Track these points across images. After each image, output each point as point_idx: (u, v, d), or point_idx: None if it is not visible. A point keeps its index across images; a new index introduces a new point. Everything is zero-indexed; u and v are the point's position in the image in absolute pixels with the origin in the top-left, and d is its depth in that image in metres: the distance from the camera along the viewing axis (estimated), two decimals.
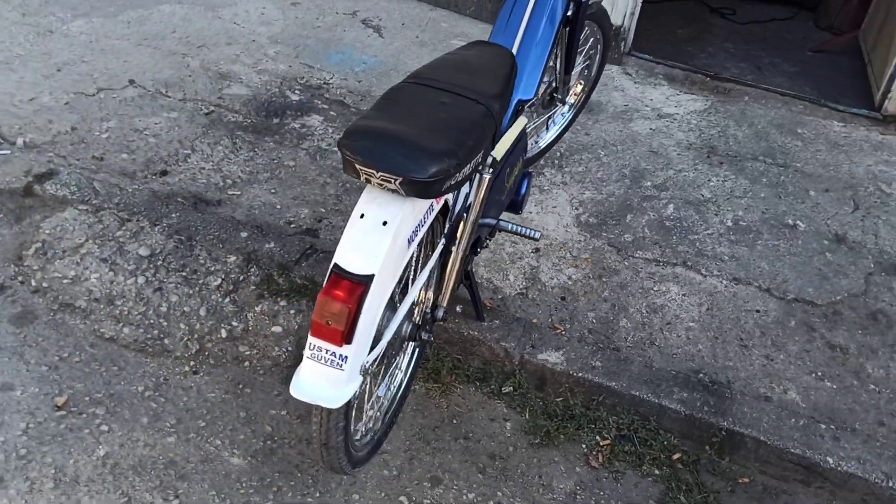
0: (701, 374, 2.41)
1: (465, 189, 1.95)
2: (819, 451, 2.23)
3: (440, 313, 1.94)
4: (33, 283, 2.46)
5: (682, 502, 2.15)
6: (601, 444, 2.27)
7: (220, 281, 2.50)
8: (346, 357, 1.54)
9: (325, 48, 3.76)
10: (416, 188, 1.54)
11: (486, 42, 2.16)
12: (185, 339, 2.36)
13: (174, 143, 3.03)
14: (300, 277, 2.54)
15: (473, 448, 2.21)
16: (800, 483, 2.24)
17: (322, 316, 1.51)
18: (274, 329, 2.42)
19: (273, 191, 2.91)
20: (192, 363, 2.31)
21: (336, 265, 1.53)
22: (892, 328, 2.68)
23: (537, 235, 2.15)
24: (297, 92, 3.44)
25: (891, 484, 2.18)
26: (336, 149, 3.13)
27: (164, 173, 2.90)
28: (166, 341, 2.35)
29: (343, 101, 3.42)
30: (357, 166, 1.54)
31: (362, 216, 1.57)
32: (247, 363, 2.33)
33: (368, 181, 1.56)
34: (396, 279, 1.61)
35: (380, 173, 1.52)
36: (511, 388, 2.39)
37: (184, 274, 2.52)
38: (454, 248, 1.89)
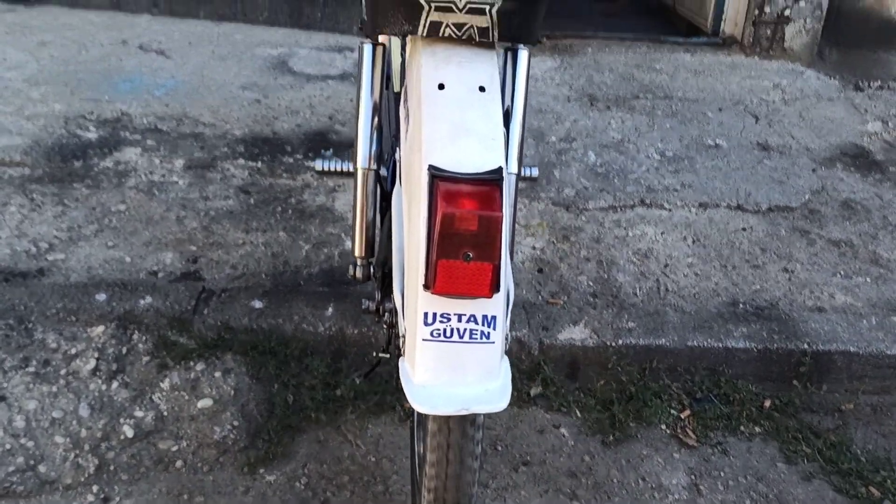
0: (741, 305, 1.98)
1: None
2: None
3: None
4: None
5: (807, 453, 1.67)
6: (682, 416, 1.73)
7: (93, 363, 1.67)
8: (495, 318, 0.89)
9: (106, 79, 2.96)
10: (518, 25, 0.94)
11: None
12: (72, 456, 1.51)
13: None
14: (208, 328, 1.78)
15: (543, 473, 1.59)
16: None
17: (452, 246, 0.84)
18: (201, 404, 1.64)
19: (111, 244, 2.10)
20: (94, 488, 1.46)
21: (434, 169, 0.87)
22: (870, 212, 2.43)
23: (535, 173, 1.61)
24: (90, 129, 2.62)
25: None
26: (179, 179, 2.38)
27: None
28: (41, 469, 1.49)
29: (158, 129, 2.65)
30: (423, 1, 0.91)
31: (442, 87, 0.93)
32: (179, 462, 1.54)
33: (435, 28, 0.93)
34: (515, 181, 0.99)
35: (468, 3, 0.90)
36: (541, 388, 1.79)
37: (31, 369, 1.66)
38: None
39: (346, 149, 2.63)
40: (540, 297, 2.00)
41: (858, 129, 2.96)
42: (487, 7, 0.92)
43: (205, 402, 1.64)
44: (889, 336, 1.88)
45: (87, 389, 1.63)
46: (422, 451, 1.05)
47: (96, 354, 1.69)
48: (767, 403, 1.79)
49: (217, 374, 1.69)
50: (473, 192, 0.85)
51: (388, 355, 1.28)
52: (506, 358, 0.95)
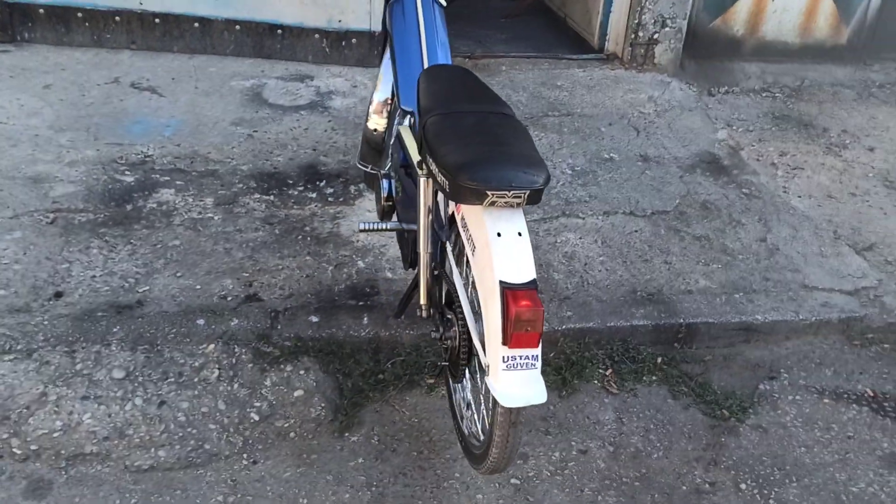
0: (638, 293, 2.90)
1: None
2: (747, 314, 2.85)
3: None
4: (17, 452, 2.18)
5: (685, 391, 2.63)
6: (607, 374, 2.66)
7: (217, 372, 2.43)
8: (538, 355, 1.74)
9: (118, 122, 3.57)
10: (535, 197, 1.77)
11: (435, 67, 2.37)
12: (224, 437, 2.28)
13: (44, 262, 2.76)
14: (286, 339, 2.55)
15: (525, 419, 2.47)
16: (743, 343, 2.85)
17: (520, 326, 1.68)
18: (297, 394, 2.43)
19: (179, 274, 2.80)
20: (244, 456, 2.25)
21: (503, 282, 1.71)
22: (720, 210, 3.41)
23: None
24: (126, 173, 3.26)
25: (800, 317, 2.86)
26: (213, 214, 3.08)
27: (59, 295, 2.65)
28: (207, 446, 2.26)
29: (179, 168, 3.32)
30: (488, 192, 1.72)
31: (499, 234, 1.76)
32: (292, 434, 2.33)
33: (493, 203, 1.75)
34: None
35: (511, 192, 1.73)
36: None
37: (173, 379, 2.40)
38: None
39: (334, 178, 3.37)
40: None
41: (711, 138, 3.93)
42: (523, 194, 1.74)
43: (298, 392, 2.43)
44: (733, 309, 2.85)
45: (218, 391, 2.39)
46: (489, 424, 1.89)
47: (216, 365, 2.44)
48: (659, 360, 2.73)
49: (301, 372, 2.48)
50: (526, 295, 1.69)
51: (447, 363, 2.12)
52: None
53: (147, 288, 2.72)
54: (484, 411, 2.01)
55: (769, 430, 2.50)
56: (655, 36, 4.36)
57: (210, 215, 3.08)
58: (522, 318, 1.69)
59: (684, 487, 2.28)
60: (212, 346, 2.50)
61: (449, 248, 2.08)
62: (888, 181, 3.82)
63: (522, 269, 1.74)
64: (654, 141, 3.83)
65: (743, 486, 2.30)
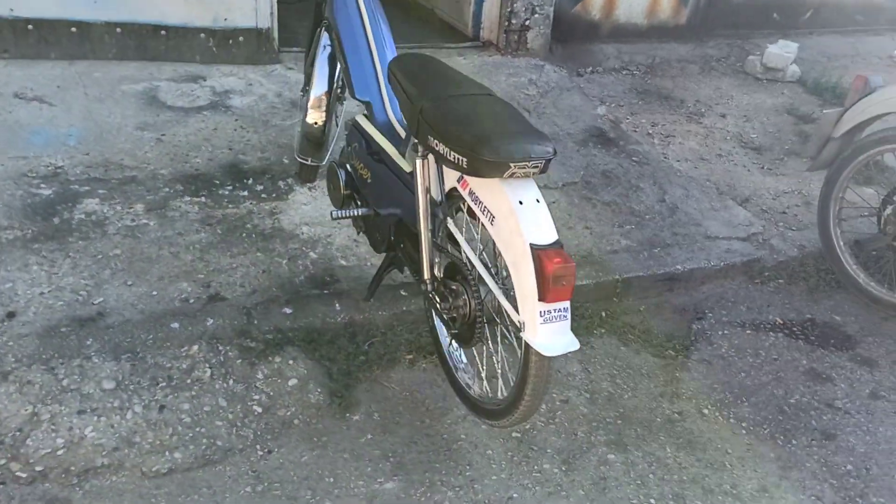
0: (572, 256, 3.16)
1: None
2: (668, 265, 3.18)
3: None
4: (22, 475, 2.10)
5: (632, 338, 2.92)
6: None
7: (208, 371, 2.43)
8: (568, 307, 1.93)
9: (15, 135, 3.38)
10: (546, 166, 1.95)
11: (404, 56, 2.48)
12: (234, 431, 2.30)
13: None
14: (266, 333, 2.59)
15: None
16: (668, 292, 3.18)
17: (556, 281, 1.86)
18: (291, 383, 2.48)
19: (130, 283, 2.75)
20: (258, 447, 2.29)
21: (534, 244, 1.88)
22: (619, 178, 3.75)
23: None
24: (42, 186, 3.11)
25: (711, 263, 3.24)
26: (148, 220, 3.02)
27: (11, 315, 2.53)
28: (219, 443, 2.27)
29: (96, 177, 3.21)
30: (510, 164, 1.88)
31: (521, 202, 1.93)
32: (295, 421, 2.39)
33: (513, 174, 1.92)
34: None
35: (531, 162, 1.90)
36: None
37: (165, 383, 2.38)
38: None
39: (260, 175, 3.39)
40: None
41: (592, 114, 4.28)
42: (540, 164, 1.91)
43: (293, 381, 2.48)
44: (656, 263, 3.18)
45: (215, 389, 2.39)
46: (518, 379, 2.05)
47: (206, 365, 2.44)
48: (603, 314, 3.00)
49: (291, 362, 2.52)
50: (556, 253, 1.88)
51: (457, 331, 2.26)
52: None
53: (102, 299, 2.65)
54: (502, 370, 2.18)
55: (712, 362, 2.84)
56: (527, 23, 4.65)
57: (144, 221, 3.02)
58: (558, 273, 1.87)
59: (658, 419, 2.56)
60: (195, 346, 2.49)
61: (451, 222, 2.22)
62: (743, 142, 4.34)
63: (547, 231, 1.93)
64: (546, 119, 4.12)
65: (705, 411, 2.61)
